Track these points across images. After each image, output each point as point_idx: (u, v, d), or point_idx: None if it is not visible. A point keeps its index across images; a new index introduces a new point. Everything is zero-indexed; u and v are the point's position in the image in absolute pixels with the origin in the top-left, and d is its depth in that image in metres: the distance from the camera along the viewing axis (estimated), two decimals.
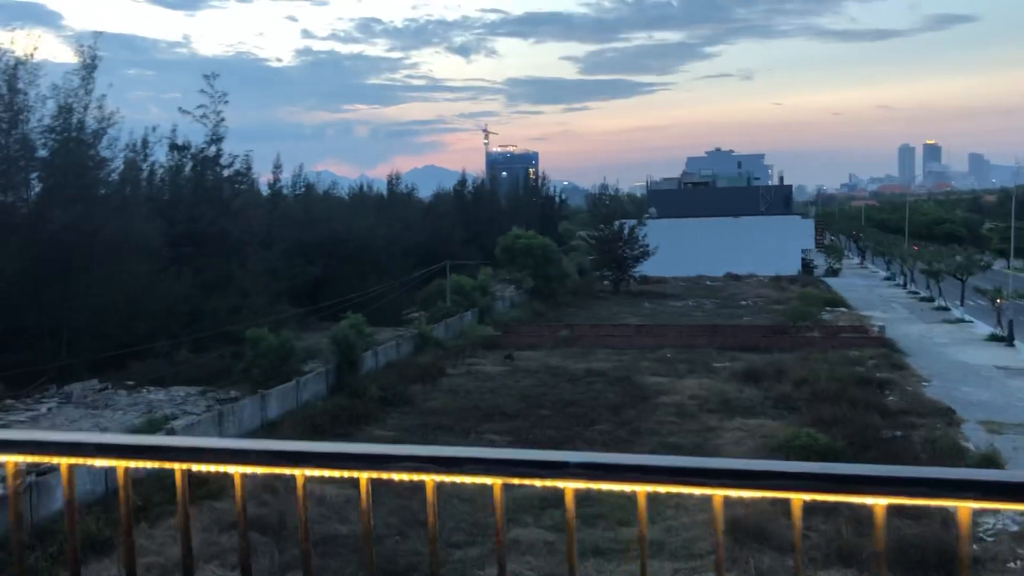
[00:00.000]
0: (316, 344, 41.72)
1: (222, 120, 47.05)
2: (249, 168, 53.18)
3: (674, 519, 21.88)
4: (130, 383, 36.94)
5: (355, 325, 37.78)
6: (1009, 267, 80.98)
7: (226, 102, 46.70)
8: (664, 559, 19.45)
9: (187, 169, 49.05)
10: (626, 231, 78.99)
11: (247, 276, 42.96)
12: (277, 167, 67.26)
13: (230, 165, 48.91)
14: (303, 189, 74.33)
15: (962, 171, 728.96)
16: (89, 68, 39.23)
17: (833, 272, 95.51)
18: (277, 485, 24.42)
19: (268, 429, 30.07)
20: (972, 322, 56.88)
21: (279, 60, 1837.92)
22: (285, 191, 70.42)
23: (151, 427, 26.49)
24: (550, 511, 22.58)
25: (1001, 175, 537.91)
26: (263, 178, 65.65)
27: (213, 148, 47.98)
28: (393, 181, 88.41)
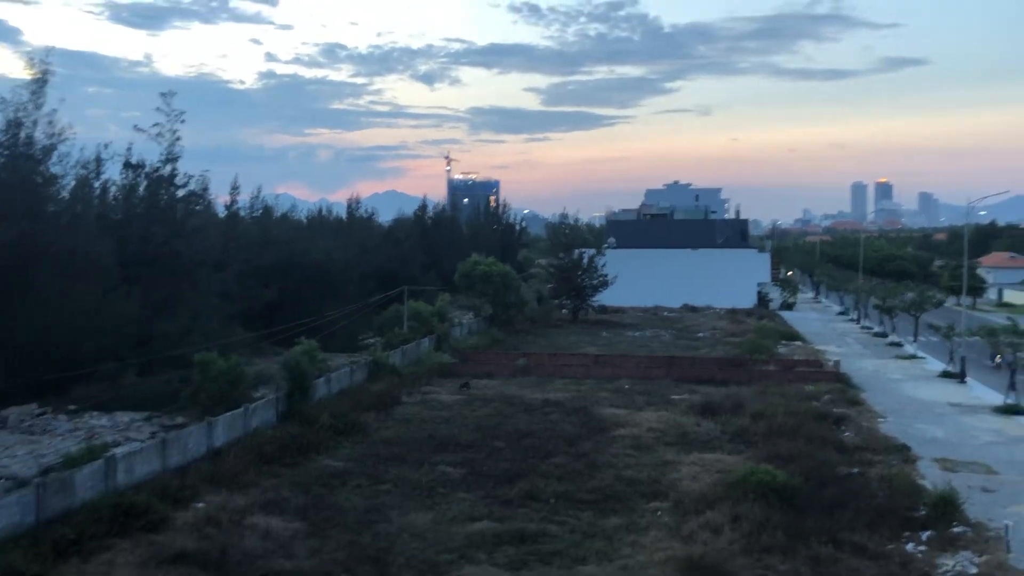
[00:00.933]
0: (268, 370, 40.73)
1: (178, 139, 46.01)
2: (206, 188, 52.03)
3: (630, 557, 21.38)
4: (72, 407, 35.64)
5: (308, 351, 36.89)
6: (960, 304, 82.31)
7: (182, 121, 45.70)
8: None
9: (141, 188, 47.88)
10: (585, 260, 78.98)
11: (199, 298, 41.87)
12: (234, 188, 66.15)
13: (185, 185, 47.82)
14: (261, 211, 73.26)
15: (912, 209, 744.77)
16: (40, 83, 38.13)
17: (788, 306, 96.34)
18: (221, 517, 23.54)
19: (214, 457, 29.06)
20: (925, 358, 57.48)
21: (242, 82, 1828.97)
22: (243, 213, 69.31)
23: (90, 455, 25.39)
24: (504, 548, 21.96)
25: (950, 214, 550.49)
26: (220, 199, 64.49)
27: (168, 167, 46.87)
28: (353, 205, 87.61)
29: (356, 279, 61.90)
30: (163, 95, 45.20)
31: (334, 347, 49.92)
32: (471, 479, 28.01)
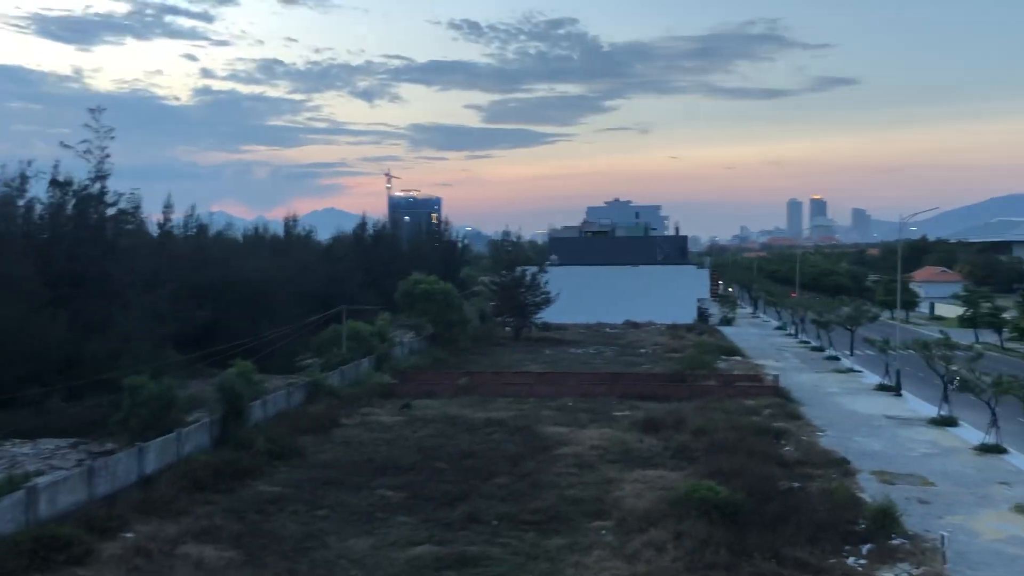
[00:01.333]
0: (202, 393, 39.58)
1: (107, 156, 44.75)
2: (137, 207, 50.75)
3: None
4: None
5: (243, 373, 35.93)
6: (894, 318, 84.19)
7: (112, 137, 44.48)
8: None
9: (69, 207, 46.42)
10: (528, 278, 78.90)
11: (130, 319, 40.55)
12: (168, 206, 64.71)
13: (115, 203, 46.50)
14: (195, 230, 71.70)
15: (846, 225, 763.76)
16: None
17: (727, 321, 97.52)
18: (151, 548, 22.62)
19: (145, 485, 28.01)
20: (861, 372, 58.48)
21: (177, 99, 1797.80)
22: (176, 232, 67.74)
23: (9, 485, 24.23)
24: (446, 573, 21.46)
25: (882, 230, 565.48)
26: (153, 217, 62.96)
27: (97, 185, 45.54)
28: (290, 223, 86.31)
29: (293, 298, 60.79)
30: (91, 111, 44.00)
31: (271, 369, 48.82)
32: (412, 502, 27.44)
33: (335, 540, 23.91)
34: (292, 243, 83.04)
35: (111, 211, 46.38)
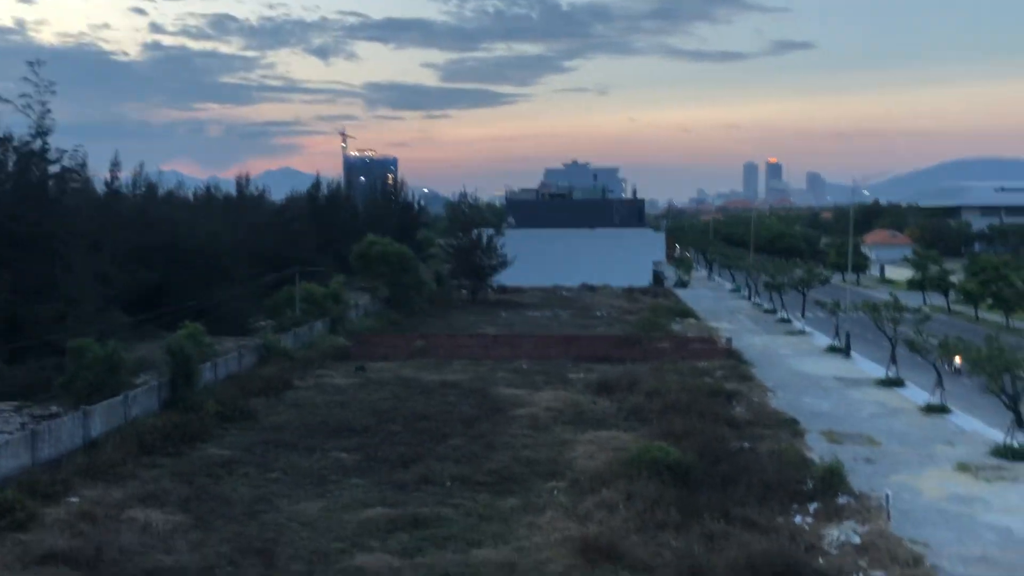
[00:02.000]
0: (150, 355, 38.93)
1: (48, 111, 43.25)
2: (83, 164, 49.38)
3: (526, 539, 21.12)
4: None
5: (192, 335, 35.35)
6: (845, 281, 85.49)
7: (53, 92, 42.97)
8: None
9: (9, 164, 44.98)
10: (484, 240, 78.56)
11: (74, 281, 39.58)
12: (115, 165, 63.05)
13: (58, 160, 45.13)
14: (144, 189, 70.12)
15: (801, 189, 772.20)
16: None
17: (683, 284, 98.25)
18: (96, 512, 22.23)
19: (90, 449, 27.48)
20: (812, 334, 59.33)
21: (125, 54, 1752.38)
22: (124, 191, 66.16)
23: None
24: (398, 534, 21.39)
25: (836, 193, 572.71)
26: (101, 176, 61.32)
27: (39, 142, 44.12)
28: (242, 182, 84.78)
29: (246, 260, 59.83)
30: (31, 64, 42.42)
31: (222, 331, 48.17)
32: (365, 465, 27.30)
33: (286, 503, 23.71)
34: (245, 203, 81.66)
35: (54, 169, 45.02)
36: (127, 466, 26.32)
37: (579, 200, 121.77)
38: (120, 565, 19.24)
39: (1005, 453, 28.70)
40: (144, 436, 28.50)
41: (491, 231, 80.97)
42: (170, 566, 19.31)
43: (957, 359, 35.66)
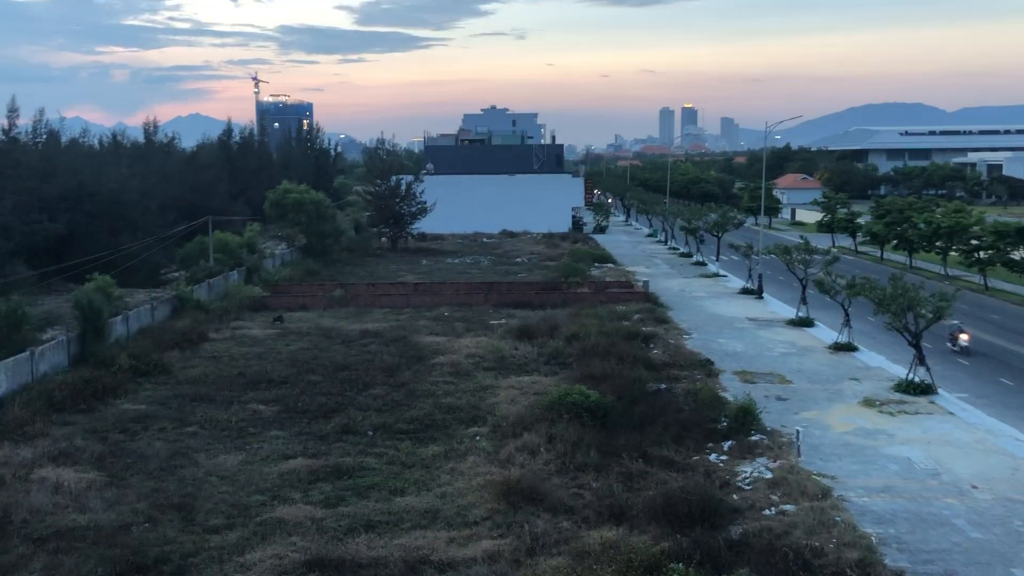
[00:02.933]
0: (58, 310, 37.60)
1: None
2: None
3: (449, 485, 21.30)
4: None
5: (102, 287, 34.23)
6: (758, 224, 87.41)
7: None
8: (439, 528, 18.80)
9: None
10: (403, 187, 77.66)
11: None
12: (12, 111, 59.81)
13: None
14: (44, 136, 66.86)
15: (715, 134, 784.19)
16: None
17: (601, 229, 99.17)
18: (3, 473, 21.54)
19: None
20: (727, 276, 60.73)
21: None
22: (23, 138, 62.97)
23: None
24: (319, 485, 21.32)
25: (749, 138, 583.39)
26: None
27: None
28: (150, 129, 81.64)
29: (155, 209, 57.89)
30: None
31: (134, 283, 46.78)
32: (285, 416, 27.03)
33: (204, 457, 23.35)
34: (153, 150, 78.69)
35: None
36: (36, 424, 25.50)
37: (498, 146, 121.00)
38: (31, 526, 18.73)
39: (907, 388, 30.04)
40: (53, 393, 27.62)
41: (410, 178, 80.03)
42: (84, 525, 18.87)
43: (964, 337, 36.64)
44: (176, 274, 52.40)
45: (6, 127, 58.70)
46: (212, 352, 35.79)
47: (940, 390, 30.08)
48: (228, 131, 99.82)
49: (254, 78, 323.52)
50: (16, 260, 40.97)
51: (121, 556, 17.20)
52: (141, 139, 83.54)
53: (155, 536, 18.44)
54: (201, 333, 37.92)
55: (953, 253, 60.60)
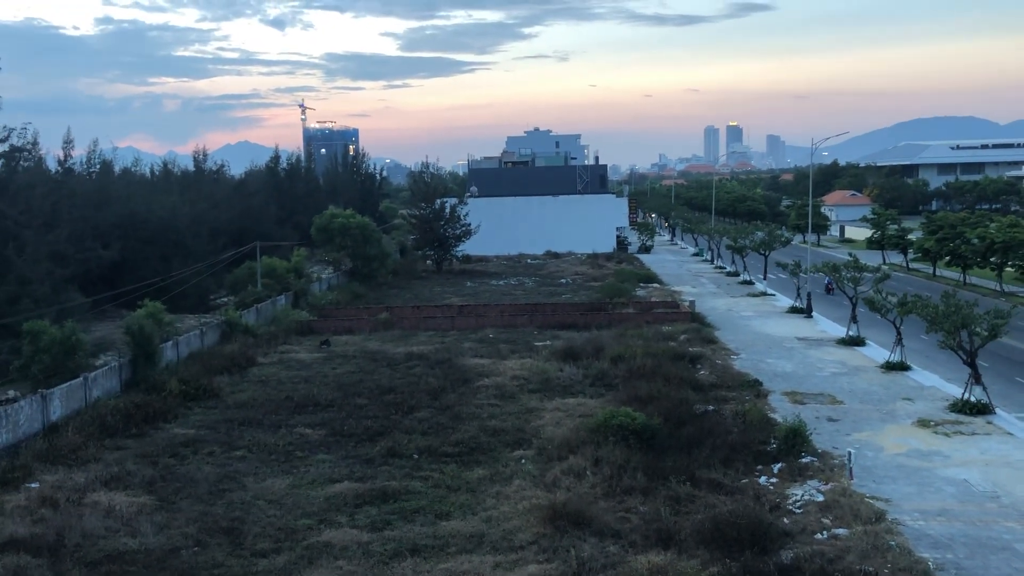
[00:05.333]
0: (110, 336, 38.35)
1: None
2: (34, 143, 48.08)
3: (494, 508, 21.18)
4: None
5: (153, 313, 34.81)
6: (806, 241, 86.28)
7: None
8: (485, 552, 18.68)
9: None
10: (448, 210, 78.11)
11: (27, 262, 38.69)
12: (68, 142, 61.42)
13: (6, 139, 43.89)
14: (98, 166, 68.52)
15: (761, 152, 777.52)
16: None
17: (646, 249, 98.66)
18: (58, 497, 21.91)
19: (50, 433, 27.03)
20: (774, 295, 59.92)
21: (76, 28, 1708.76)
22: (78, 168, 64.60)
23: None
24: (366, 508, 21.35)
25: (795, 155, 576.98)
26: (54, 154, 59.80)
27: None
28: (200, 157, 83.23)
29: (205, 235, 58.87)
30: None
31: (183, 308, 47.58)
32: (331, 439, 27.17)
33: (252, 481, 23.54)
34: (203, 178, 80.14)
35: (2, 148, 43.80)
36: (89, 449, 25.96)
37: (541, 167, 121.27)
38: (83, 550, 19.01)
39: (963, 408, 29.27)
40: (106, 418, 28.12)
41: (454, 200, 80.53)
42: (135, 549, 19.12)
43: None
44: (225, 299, 53.20)
45: (62, 158, 60.26)
46: (260, 376, 36.17)
47: (998, 410, 29.25)
48: (276, 158, 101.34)
49: (301, 105, 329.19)
50: (71, 287, 41.85)
51: None
52: (191, 167, 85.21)
53: (204, 560, 18.61)
54: (249, 357, 38.37)
55: (1009, 268, 59.12)
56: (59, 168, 60.12)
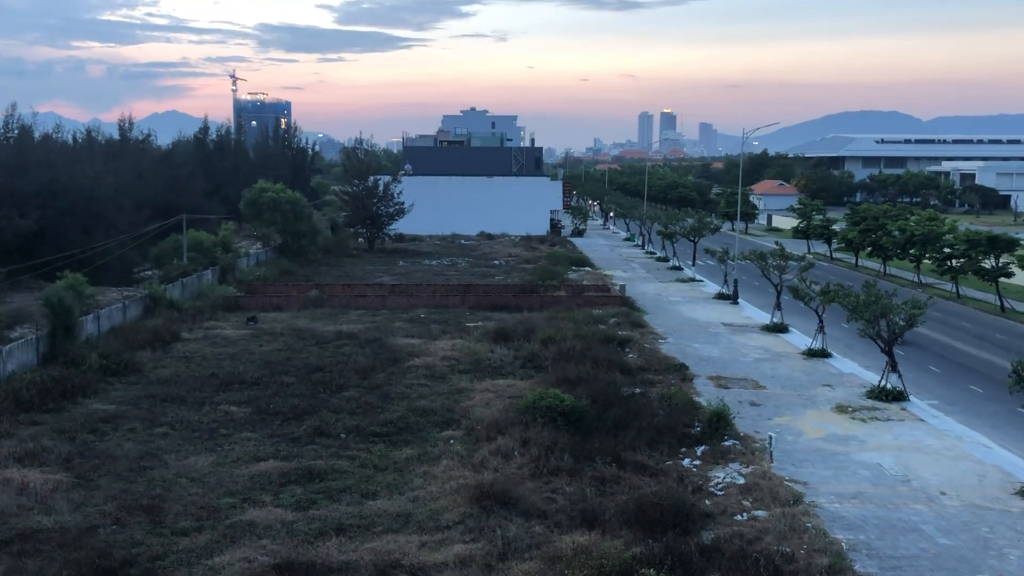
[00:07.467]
0: (27, 307, 37.08)
1: None
2: None
3: (422, 488, 21.17)
4: None
5: (73, 285, 33.75)
6: (734, 229, 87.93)
7: None
8: (411, 532, 18.68)
9: None
10: (381, 187, 77.35)
11: None
12: None
13: None
14: (17, 131, 65.97)
15: (693, 139, 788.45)
16: None
17: (579, 232, 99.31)
18: None
19: None
20: (703, 281, 60.96)
21: None
22: None
23: None
24: (291, 487, 21.13)
25: (727, 143, 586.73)
26: None
27: None
28: (125, 126, 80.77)
29: (129, 207, 57.18)
30: None
31: (106, 281, 46.22)
32: (257, 418, 26.79)
33: (174, 458, 23.09)
34: (128, 147, 77.79)
35: None
36: (2, 424, 25.12)
37: (477, 148, 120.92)
38: None
39: (879, 395, 30.26)
40: (20, 392, 27.23)
41: (388, 178, 79.73)
42: (49, 527, 18.61)
43: None
44: (149, 273, 51.86)
45: None
46: (184, 352, 35.43)
47: (911, 397, 30.31)
48: (204, 129, 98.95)
49: (232, 76, 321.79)
50: None
51: (87, 559, 16.96)
52: (116, 135, 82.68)
53: (122, 538, 18.20)
54: (173, 333, 37.53)
55: (926, 261, 61.16)
56: None
